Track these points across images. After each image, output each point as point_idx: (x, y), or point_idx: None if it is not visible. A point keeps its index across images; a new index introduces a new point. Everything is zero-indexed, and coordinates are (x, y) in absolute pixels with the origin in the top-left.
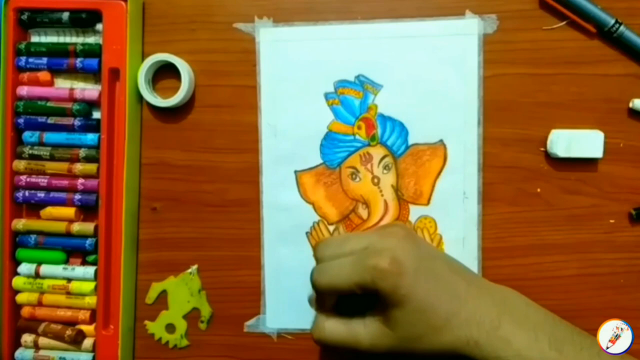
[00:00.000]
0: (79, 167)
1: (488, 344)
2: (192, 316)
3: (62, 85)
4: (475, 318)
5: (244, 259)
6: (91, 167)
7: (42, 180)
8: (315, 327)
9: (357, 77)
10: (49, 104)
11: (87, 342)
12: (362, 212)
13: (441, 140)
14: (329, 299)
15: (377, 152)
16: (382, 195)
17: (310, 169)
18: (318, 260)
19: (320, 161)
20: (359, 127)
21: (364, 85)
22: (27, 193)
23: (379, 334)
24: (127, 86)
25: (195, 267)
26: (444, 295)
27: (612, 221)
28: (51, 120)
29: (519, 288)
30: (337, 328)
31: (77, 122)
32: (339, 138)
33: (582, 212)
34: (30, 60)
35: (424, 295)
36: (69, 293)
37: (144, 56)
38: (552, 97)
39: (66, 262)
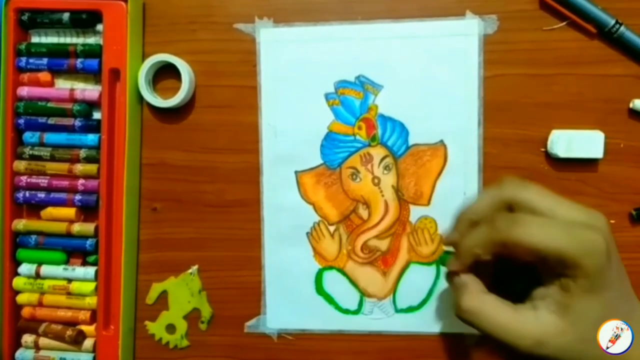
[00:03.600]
0: (79, 167)
1: None
2: (192, 316)
3: (63, 85)
4: None
5: (244, 259)
6: (91, 168)
7: (43, 181)
8: (469, 296)
9: (358, 77)
10: (50, 104)
11: (88, 343)
12: (363, 212)
13: (441, 141)
14: (487, 272)
15: (378, 152)
16: (383, 196)
17: (311, 169)
18: (517, 206)
19: (321, 161)
20: (360, 128)
21: (364, 85)
22: (27, 193)
23: (555, 329)
24: (127, 87)
25: (195, 267)
26: (625, 297)
27: (612, 221)
28: (51, 120)
29: None
30: (501, 308)
31: (77, 122)
32: (339, 138)
33: None
34: (31, 60)
35: (619, 292)
36: (69, 293)
37: (144, 57)
38: (553, 97)
39: (66, 262)
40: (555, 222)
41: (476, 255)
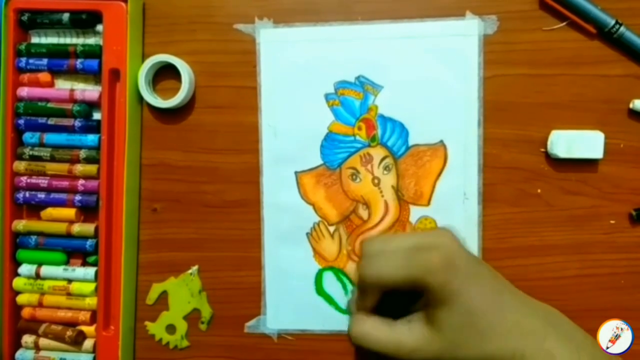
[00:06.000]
0: (79, 168)
1: (533, 357)
2: (192, 317)
3: (63, 86)
4: (521, 328)
5: (244, 259)
6: (91, 168)
7: (43, 181)
8: (354, 324)
9: (358, 77)
10: (50, 105)
11: (88, 343)
12: (363, 212)
13: (441, 141)
14: (371, 298)
15: (378, 152)
16: (383, 196)
17: (311, 169)
18: (363, 256)
19: (321, 162)
20: (359, 128)
21: (364, 86)
22: (27, 194)
23: (424, 338)
24: (127, 87)
25: (195, 267)
26: (490, 299)
27: (612, 222)
28: (51, 121)
29: (520, 288)
30: (379, 328)
31: (77, 123)
32: (339, 139)
33: (583, 213)
34: (31, 61)
35: (472, 297)
36: (69, 294)
37: (144, 57)
38: (553, 97)
39: (67, 263)
40: (395, 255)
41: (359, 303)
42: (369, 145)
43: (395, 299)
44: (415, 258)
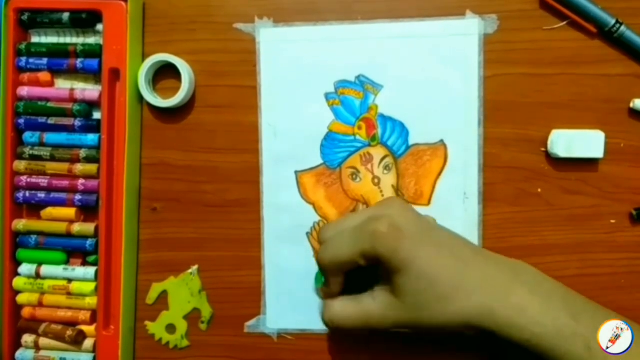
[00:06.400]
0: (79, 167)
1: (502, 311)
2: (192, 317)
3: (63, 85)
4: (485, 285)
5: (244, 259)
6: (91, 168)
7: (43, 181)
8: (325, 309)
9: (358, 77)
10: (50, 104)
11: (88, 343)
12: None
13: (442, 141)
14: (336, 282)
15: (378, 152)
16: (383, 196)
17: (311, 169)
18: (321, 243)
19: (321, 161)
20: (360, 128)
21: (365, 85)
22: (27, 193)
23: (388, 305)
24: (127, 86)
25: (195, 267)
26: (448, 261)
27: (612, 221)
28: (51, 120)
29: None
30: (347, 305)
31: (77, 122)
32: (340, 138)
33: (583, 212)
34: (31, 60)
35: (426, 261)
36: (69, 294)
37: (144, 56)
38: (553, 97)
39: (67, 262)
40: (346, 233)
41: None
42: (369, 145)
43: (361, 278)
44: (364, 231)
